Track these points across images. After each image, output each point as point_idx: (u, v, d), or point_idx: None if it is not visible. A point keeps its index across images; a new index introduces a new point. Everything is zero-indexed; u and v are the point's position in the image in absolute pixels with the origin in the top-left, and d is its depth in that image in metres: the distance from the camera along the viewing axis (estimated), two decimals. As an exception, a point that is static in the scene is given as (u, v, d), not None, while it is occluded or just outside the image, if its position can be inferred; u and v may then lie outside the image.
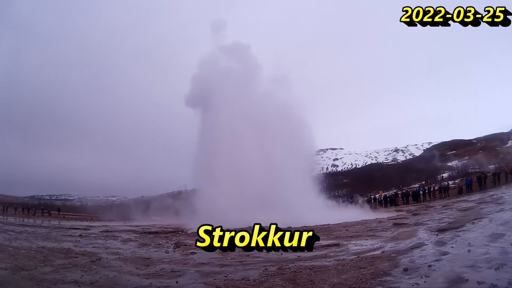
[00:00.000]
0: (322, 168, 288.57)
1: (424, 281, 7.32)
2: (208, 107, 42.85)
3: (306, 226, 23.35)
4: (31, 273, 9.24)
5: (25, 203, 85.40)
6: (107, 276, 9.34)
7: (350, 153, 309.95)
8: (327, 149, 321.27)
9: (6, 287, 7.59)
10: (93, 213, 39.89)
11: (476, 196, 32.99)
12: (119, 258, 13.05)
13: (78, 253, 13.86)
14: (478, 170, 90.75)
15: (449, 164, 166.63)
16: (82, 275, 9.25)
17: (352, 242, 15.13)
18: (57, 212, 64.77)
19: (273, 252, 13.34)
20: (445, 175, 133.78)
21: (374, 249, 12.46)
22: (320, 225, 24.06)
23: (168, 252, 15.45)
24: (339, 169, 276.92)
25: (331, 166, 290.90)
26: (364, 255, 11.35)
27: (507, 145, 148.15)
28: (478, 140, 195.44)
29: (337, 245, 14.42)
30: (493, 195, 29.09)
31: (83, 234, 23.69)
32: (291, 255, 12.58)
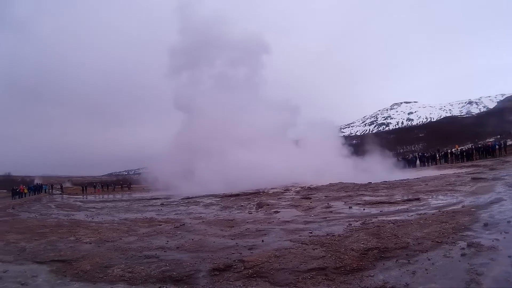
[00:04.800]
0: (397, 122, 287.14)
1: (504, 237, 7.21)
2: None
3: (386, 181, 23.67)
4: (115, 244, 9.51)
5: (104, 181, 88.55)
6: (192, 239, 9.57)
7: (424, 106, 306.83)
8: (401, 103, 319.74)
9: (92, 259, 7.77)
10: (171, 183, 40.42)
11: (552, 152, 32.23)
12: (203, 222, 13.35)
13: (161, 221, 14.25)
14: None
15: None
16: (167, 241, 9.50)
17: (432, 196, 15.02)
18: (120, 187, 66.95)
19: (355, 207, 13.60)
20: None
21: (454, 204, 12.34)
22: (399, 180, 24.21)
23: (251, 213, 15.74)
24: (414, 123, 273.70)
25: (406, 120, 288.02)
26: (445, 209, 11.26)
27: None
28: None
29: (417, 199, 14.39)
30: None
31: (164, 203, 24.48)
32: (373, 210, 12.85)
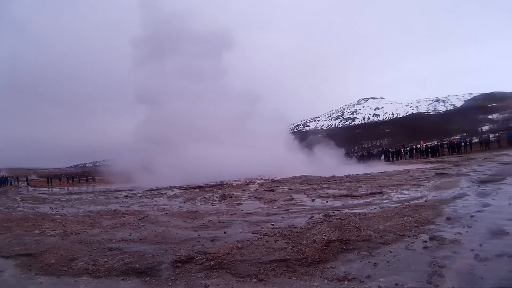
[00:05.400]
0: (364, 117, 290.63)
1: (467, 231, 7.35)
2: None
3: (349, 175, 24.05)
4: (80, 237, 9.40)
5: (69, 173, 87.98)
6: (155, 231, 9.52)
7: (391, 102, 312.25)
8: (368, 98, 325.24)
9: (56, 252, 7.69)
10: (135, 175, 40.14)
11: (517, 151, 32.82)
12: (166, 213, 13.28)
13: (125, 213, 14.17)
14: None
15: (490, 116, 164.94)
16: (131, 233, 9.44)
17: (395, 190, 15.31)
18: (85, 179, 66.85)
19: (318, 200, 13.76)
20: (485, 127, 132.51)
21: (418, 198, 12.56)
22: (363, 174, 24.66)
23: (214, 205, 15.73)
24: (380, 118, 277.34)
25: (372, 116, 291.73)
26: (408, 203, 11.45)
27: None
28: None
29: (381, 193, 14.61)
30: (534, 151, 28.97)
31: (128, 195, 24.28)
32: (336, 202, 12.98)
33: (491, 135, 62.95)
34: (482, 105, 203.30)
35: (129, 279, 6.08)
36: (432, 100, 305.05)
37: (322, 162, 38.98)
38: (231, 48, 56.63)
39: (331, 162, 39.37)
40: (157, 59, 48.64)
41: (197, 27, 49.52)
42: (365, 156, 57.42)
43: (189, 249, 7.28)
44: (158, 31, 47.96)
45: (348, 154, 58.72)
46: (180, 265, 6.47)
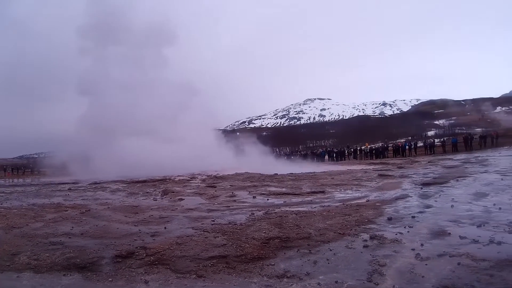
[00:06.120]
0: (309, 117, 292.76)
1: (408, 231, 7.49)
2: None
3: (292, 174, 24.25)
4: (22, 230, 9.24)
5: (14, 164, 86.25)
6: (97, 226, 9.45)
7: (337, 104, 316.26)
8: (315, 99, 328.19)
9: None
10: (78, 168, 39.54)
11: (461, 156, 33.87)
12: (108, 208, 13.13)
13: (68, 207, 13.88)
14: (465, 131, 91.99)
15: (436, 122, 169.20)
16: (73, 227, 9.33)
17: (337, 190, 15.50)
18: (30, 170, 66.75)
19: (259, 197, 13.83)
20: (431, 132, 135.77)
21: (359, 198, 12.78)
22: (306, 173, 24.96)
23: (156, 200, 15.65)
24: (326, 119, 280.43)
25: (318, 116, 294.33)
26: (349, 202, 11.61)
27: (495, 111, 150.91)
28: (467, 102, 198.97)
29: (322, 192, 14.77)
30: (478, 156, 29.99)
31: (72, 188, 23.58)
32: (277, 200, 13.07)
33: (436, 140, 64.35)
34: (428, 110, 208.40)
35: (70, 274, 6.04)
36: (379, 104, 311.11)
37: (263, 160, 39.71)
38: (175, 41, 57.83)
39: (270, 160, 40.46)
40: (100, 50, 48.53)
41: (142, 18, 49.37)
42: (309, 155, 58.07)
43: (130, 244, 7.29)
44: (101, 22, 47.59)
45: (276, 154, 59.47)
46: (120, 260, 6.46)
